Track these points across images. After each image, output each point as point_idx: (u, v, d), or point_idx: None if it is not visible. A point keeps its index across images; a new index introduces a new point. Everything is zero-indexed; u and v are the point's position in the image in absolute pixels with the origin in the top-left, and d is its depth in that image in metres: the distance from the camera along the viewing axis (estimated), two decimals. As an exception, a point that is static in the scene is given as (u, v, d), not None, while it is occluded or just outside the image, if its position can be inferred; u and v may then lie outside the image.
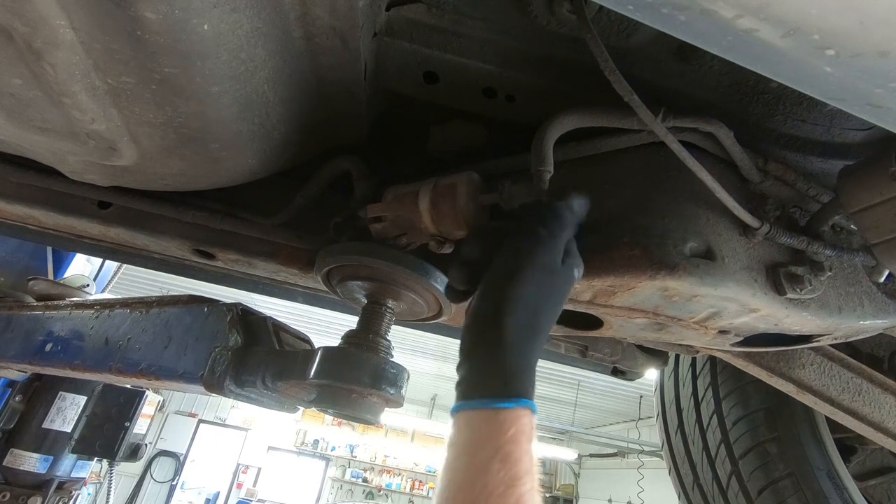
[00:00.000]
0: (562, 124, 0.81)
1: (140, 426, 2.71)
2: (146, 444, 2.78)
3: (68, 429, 2.37)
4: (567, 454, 10.39)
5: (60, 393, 2.38)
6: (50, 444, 2.32)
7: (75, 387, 2.41)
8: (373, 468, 12.75)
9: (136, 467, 9.90)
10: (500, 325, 0.62)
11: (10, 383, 2.34)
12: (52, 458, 2.32)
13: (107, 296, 2.42)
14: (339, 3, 0.65)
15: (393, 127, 1.06)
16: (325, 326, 7.25)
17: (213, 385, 1.03)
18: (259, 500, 11.33)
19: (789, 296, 0.80)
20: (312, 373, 0.90)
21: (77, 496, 2.62)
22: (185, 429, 10.99)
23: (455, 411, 0.60)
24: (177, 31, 0.53)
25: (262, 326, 1.13)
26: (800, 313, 0.82)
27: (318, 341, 1.09)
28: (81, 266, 2.78)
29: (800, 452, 1.46)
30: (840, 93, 0.48)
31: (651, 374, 1.82)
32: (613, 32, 0.80)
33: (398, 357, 0.94)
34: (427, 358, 8.44)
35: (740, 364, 1.31)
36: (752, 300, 0.79)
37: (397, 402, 0.92)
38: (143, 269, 2.42)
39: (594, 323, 0.99)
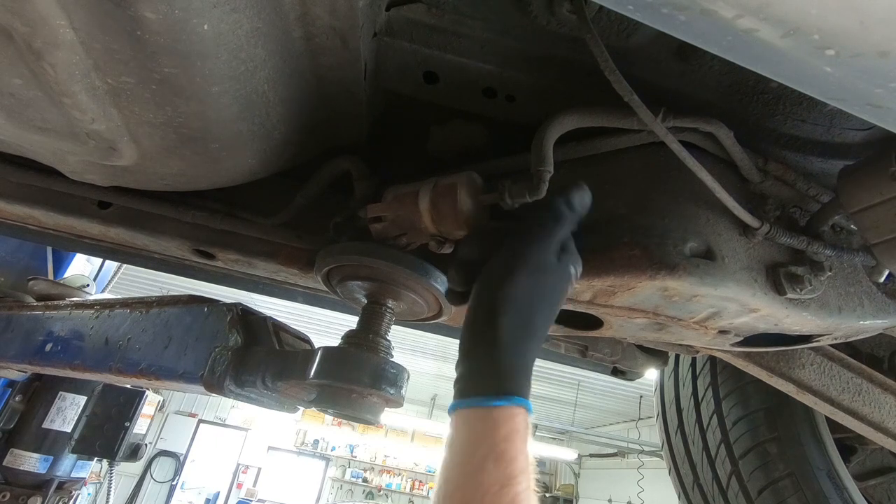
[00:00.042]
0: (562, 124, 0.81)
1: (140, 426, 2.71)
2: (146, 444, 2.78)
3: (68, 429, 2.37)
4: (567, 454, 10.40)
5: (60, 393, 2.38)
6: (50, 444, 2.33)
7: (75, 387, 2.41)
8: (373, 468, 12.75)
9: (136, 467, 9.91)
10: (495, 324, 0.62)
11: (10, 383, 2.34)
12: (52, 458, 2.32)
13: (107, 296, 2.42)
14: (339, 3, 0.65)
15: (393, 127, 1.06)
16: (325, 326, 7.25)
17: (213, 385, 1.03)
18: (259, 500, 11.33)
19: (789, 296, 0.80)
20: (312, 373, 0.90)
21: (77, 496, 2.62)
22: (185, 429, 10.99)
23: (452, 410, 0.61)
24: (177, 31, 0.53)
25: (262, 326, 1.13)
26: (800, 313, 0.82)
27: (318, 341, 1.09)
28: (81, 266, 2.78)
29: (800, 452, 1.46)
30: (840, 93, 0.48)
31: (651, 374, 1.82)
32: (613, 32, 0.80)
33: (398, 357, 0.94)
34: (427, 358, 8.44)
35: (740, 364, 1.31)
36: (752, 300, 0.79)
37: (397, 402, 0.92)
38: (143, 269, 2.42)
39: (594, 323, 0.99)
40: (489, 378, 0.61)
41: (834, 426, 1.45)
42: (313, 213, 1.02)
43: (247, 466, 11.55)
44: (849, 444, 1.67)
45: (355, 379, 0.87)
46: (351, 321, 1.03)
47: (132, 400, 2.58)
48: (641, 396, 8.63)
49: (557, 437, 12.42)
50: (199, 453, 11.12)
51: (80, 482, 2.51)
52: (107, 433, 2.49)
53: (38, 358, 1.40)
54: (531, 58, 0.85)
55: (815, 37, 0.40)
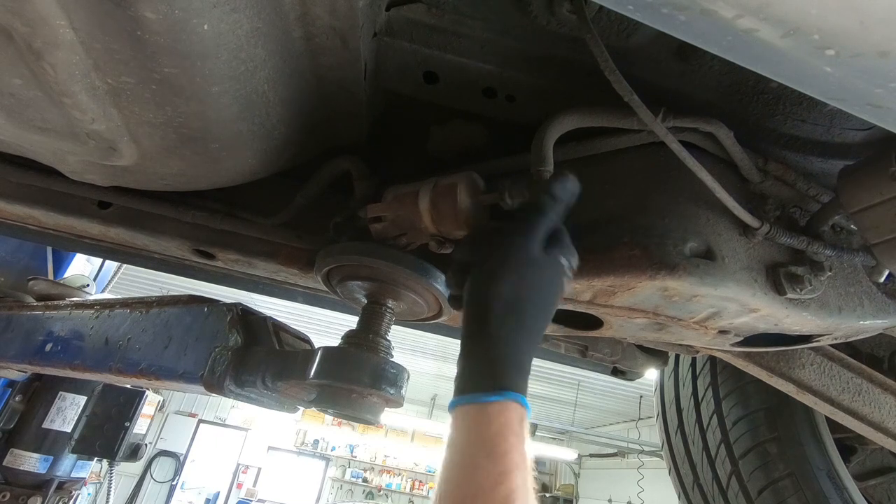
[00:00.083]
0: (562, 124, 0.81)
1: (140, 426, 2.71)
2: (146, 444, 2.78)
3: (68, 429, 2.37)
4: (567, 454, 10.39)
5: (60, 393, 2.38)
6: (50, 444, 2.32)
7: (75, 387, 2.41)
8: (373, 468, 12.74)
9: (136, 467, 9.90)
10: (486, 323, 0.63)
11: (10, 383, 2.34)
12: (52, 458, 2.32)
13: (107, 296, 2.42)
14: (339, 3, 0.65)
15: (393, 127, 1.06)
16: (325, 326, 7.24)
17: (213, 385, 1.03)
18: (259, 500, 11.33)
19: (789, 296, 0.80)
20: (312, 373, 0.90)
21: (77, 496, 2.62)
22: (185, 429, 10.98)
23: (450, 408, 0.61)
24: (177, 31, 0.53)
25: (262, 326, 1.13)
26: (800, 313, 0.82)
27: (318, 341, 1.09)
28: (81, 266, 2.78)
29: (800, 452, 1.46)
30: (840, 93, 0.48)
31: (651, 374, 1.82)
32: (613, 32, 0.80)
33: (398, 357, 0.94)
34: (427, 358, 8.43)
35: (740, 364, 1.31)
36: (752, 300, 0.79)
37: (397, 402, 0.92)
38: (143, 269, 2.42)
39: (594, 323, 0.99)
40: (482, 374, 0.61)
41: (834, 426, 1.45)
42: (313, 213, 1.02)
43: (247, 466, 11.54)
44: (849, 444, 1.67)
45: (355, 379, 0.87)
46: (351, 321, 1.03)
47: (132, 400, 2.58)
48: (641, 396, 8.62)
49: (557, 437, 12.42)
50: (199, 453, 11.11)
51: (80, 482, 2.51)
52: (107, 433, 2.49)
53: (38, 358, 1.41)
54: (531, 58, 0.85)
55: (815, 37, 0.40)
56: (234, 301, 1.17)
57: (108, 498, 3.07)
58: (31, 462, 2.27)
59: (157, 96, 0.62)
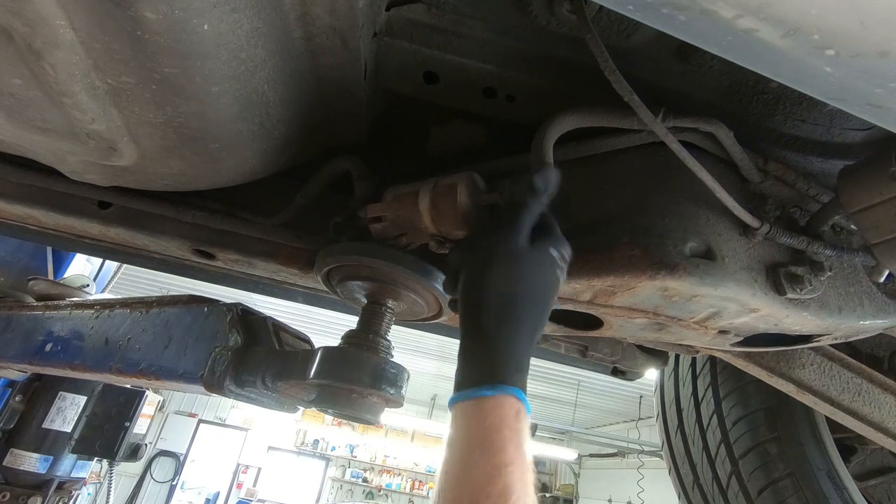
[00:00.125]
0: (562, 124, 0.81)
1: (140, 426, 2.70)
2: (146, 444, 2.78)
3: (68, 429, 2.37)
4: (567, 454, 10.39)
5: (60, 393, 2.38)
6: (50, 444, 2.32)
7: (75, 387, 2.41)
8: (373, 468, 12.74)
9: (136, 467, 9.90)
10: (479, 318, 0.64)
11: (10, 383, 2.34)
12: (52, 458, 2.32)
13: (107, 296, 2.42)
14: (339, 3, 0.65)
15: (393, 127, 1.06)
16: (325, 326, 7.24)
17: (213, 385, 1.03)
18: (259, 500, 11.32)
19: (789, 296, 0.80)
20: (312, 373, 0.90)
21: (77, 496, 2.62)
22: (185, 429, 10.98)
23: (449, 406, 0.61)
24: (177, 31, 0.53)
25: (262, 326, 1.13)
26: (800, 313, 0.82)
27: (318, 341, 1.09)
28: (81, 266, 2.78)
29: (800, 452, 1.46)
30: (840, 93, 0.48)
31: (651, 374, 1.82)
32: (613, 32, 0.80)
33: (398, 357, 0.94)
34: (427, 358, 8.43)
35: (740, 364, 1.31)
36: (752, 300, 0.79)
37: (397, 402, 0.92)
38: (143, 269, 2.42)
39: (594, 323, 0.99)
40: (477, 370, 0.61)
41: (834, 426, 1.45)
42: (313, 213, 1.02)
43: (247, 466, 11.54)
44: (849, 444, 1.67)
45: (355, 379, 0.87)
46: (351, 321, 1.03)
47: (132, 400, 2.58)
48: (641, 396, 8.62)
49: (557, 437, 12.42)
50: (199, 453, 11.11)
51: (80, 482, 2.51)
52: (107, 433, 2.49)
53: (38, 358, 1.41)
54: (531, 58, 0.85)
55: (815, 37, 0.40)
56: (234, 301, 1.17)
57: (108, 498, 3.07)
58: (31, 462, 2.27)
59: (157, 96, 0.62)
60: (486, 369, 0.60)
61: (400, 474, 12.82)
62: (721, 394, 1.66)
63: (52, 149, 0.76)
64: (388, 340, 0.96)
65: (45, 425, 2.32)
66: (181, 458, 10.72)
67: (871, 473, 1.71)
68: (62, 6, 0.50)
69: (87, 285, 2.32)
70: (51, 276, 2.48)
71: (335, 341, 0.95)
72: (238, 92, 0.66)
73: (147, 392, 2.64)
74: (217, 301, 1.18)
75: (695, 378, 1.78)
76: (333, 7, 0.65)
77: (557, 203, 0.74)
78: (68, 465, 2.39)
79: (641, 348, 1.53)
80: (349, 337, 0.94)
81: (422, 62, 0.87)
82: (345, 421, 1.44)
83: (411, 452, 12.76)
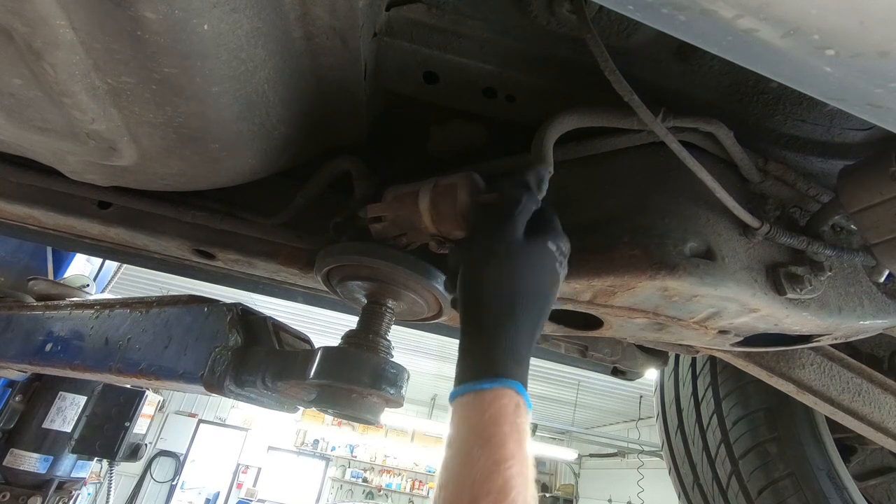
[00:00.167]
0: (562, 124, 0.81)
1: (140, 426, 2.71)
2: (146, 444, 2.78)
3: (68, 429, 2.37)
4: (567, 454, 10.39)
5: (60, 393, 2.38)
6: (50, 444, 2.32)
7: (75, 387, 2.41)
8: (373, 468, 12.74)
9: (136, 467, 9.90)
10: (477, 313, 0.64)
11: (10, 383, 2.34)
12: (52, 458, 2.32)
13: (107, 296, 2.42)
14: (339, 3, 0.65)
15: (393, 127, 1.06)
16: (325, 326, 7.25)
17: (213, 385, 1.03)
18: (259, 500, 11.33)
19: (789, 296, 0.80)
20: (312, 373, 0.90)
21: (77, 496, 2.62)
22: (185, 429, 10.98)
23: (450, 400, 0.61)
24: (177, 31, 0.53)
25: (262, 326, 1.13)
26: (800, 313, 0.82)
27: (318, 341, 1.09)
28: (81, 266, 2.78)
29: (800, 452, 1.46)
30: (840, 93, 0.48)
31: (651, 374, 1.82)
32: (613, 32, 0.80)
33: (398, 357, 0.94)
34: (427, 358, 8.44)
35: (740, 364, 1.31)
36: (752, 300, 0.79)
37: (397, 402, 0.92)
38: (143, 269, 2.42)
39: (594, 323, 0.99)
40: (476, 363, 0.61)
41: (834, 426, 1.45)
42: (313, 213, 1.02)
43: (247, 466, 11.54)
44: (849, 444, 1.67)
45: (355, 379, 0.87)
46: (351, 321, 1.03)
47: (132, 400, 2.58)
48: (641, 396, 8.62)
49: (557, 437, 12.42)
50: (199, 453, 11.11)
51: (80, 482, 2.51)
52: (107, 433, 2.49)
53: (38, 358, 1.40)
54: (531, 58, 0.85)
55: (815, 37, 0.40)
56: (234, 301, 1.17)
57: (108, 498, 3.07)
58: (31, 462, 2.27)
59: (157, 96, 0.62)
60: (486, 363, 0.60)
61: (400, 474, 12.82)
62: (721, 394, 1.66)
63: (52, 149, 0.76)
64: (388, 340, 0.96)
65: (45, 425, 2.32)
66: (181, 458, 10.72)
67: (871, 473, 1.71)
68: (62, 6, 0.50)
69: (87, 285, 2.32)
70: (51, 276, 2.48)
71: (335, 341, 0.95)
72: (238, 92, 0.66)
73: (147, 392, 2.64)
74: (217, 301, 1.18)
75: (695, 378, 1.78)
76: (333, 7, 0.65)
77: (557, 203, 0.74)
78: (68, 465, 2.40)
79: (641, 348, 1.53)
80: (349, 337, 0.94)
81: (422, 62, 0.87)
82: (345, 421, 1.44)
83: (411, 452, 12.76)
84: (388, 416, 5.81)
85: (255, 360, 1.04)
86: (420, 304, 0.97)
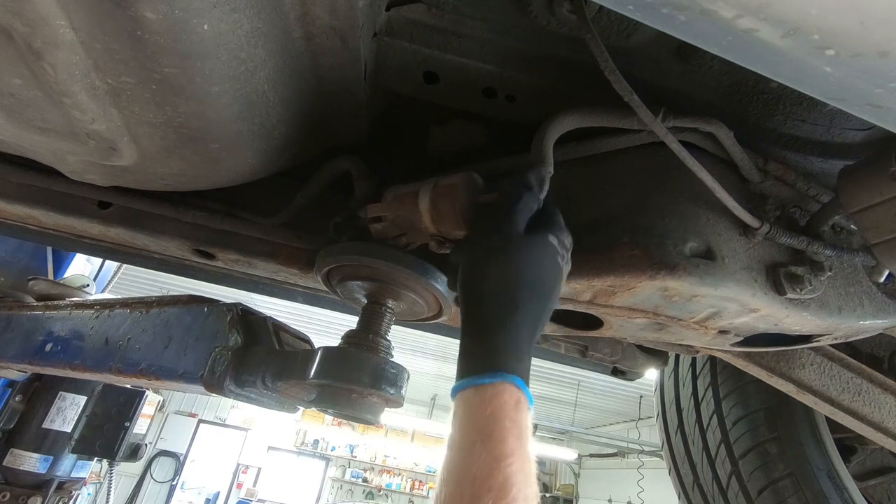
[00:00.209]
0: (562, 124, 0.81)
1: (140, 426, 2.71)
2: (146, 444, 2.78)
3: (68, 429, 2.37)
4: (567, 454, 10.39)
5: (60, 393, 2.38)
6: (50, 444, 2.32)
7: (75, 387, 2.41)
8: (373, 468, 12.75)
9: (136, 467, 9.90)
10: (477, 308, 0.64)
11: (10, 383, 2.34)
12: (52, 458, 2.32)
13: (107, 296, 2.42)
14: (339, 3, 0.65)
15: (393, 127, 1.06)
16: (325, 326, 7.25)
17: (213, 385, 1.03)
18: (259, 500, 11.33)
19: (789, 296, 0.80)
20: (312, 373, 0.90)
21: (77, 496, 2.62)
22: (185, 429, 10.99)
23: (452, 396, 0.61)
24: (177, 31, 0.53)
25: (262, 326, 1.13)
26: (800, 313, 0.82)
27: (318, 341, 1.09)
28: (81, 266, 2.78)
29: (800, 452, 1.46)
30: (840, 93, 0.48)
31: (651, 374, 1.82)
32: (613, 32, 0.80)
33: (398, 357, 0.94)
34: (427, 358, 8.44)
35: (740, 364, 1.31)
36: (752, 300, 0.79)
37: (397, 402, 0.92)
38: (143, 269, 2.42)
39: (594, 323, 0.99)
40: (476, 358, 0.61)
41: (834, 426, 1.45)
42: (313, 213, 1.02)
43: (247, 466, 11.54)
44: (849, 444, 1.67)
45: (355, 379, 0.87)
46: (351, 321, 1.03)
47: (132, 400, 2.58)
48: (641, 396, 8.62)
49: (557, 437, 12.42)
50: (199, 453, 11.11)
51: (80, 482, 2.51)
52: (107, 433, 2.49)
53: (38, 358, 1.40)
54: (531, 58, 0.85)
55: (815, 37, 0.40)
56: (234, 301, 1.17)
57: (108, 498, 3.07)
58: (31, 462, 2.27)
59: (157, 96, 0.62)
60: (486, 358, 0.60)
61: (400, 474, 12.82)
62: (721, 394, 1.66)
63: (52, 149, 0.76)
64: (388, 340, 0.96)
65: (45, 425, 2.32)
66: (181, 458, 10.73)
67: (871, 473, 1.71)
68: (62, 6, 0.50)
69: (87, 285, 2.32)
70: (51, 276, 2.48)
71: (335, 341, 0.95)
72: (238, 92, 0.66)
73: (147, 392, 2.64)
74: (217, 301, 1.18)
75: (695, 378, 1.78)
76: (333, 7, 0.65)
77: (558, 203, 0.74)
78: (68, 465, 2.40)
79: (641, 348, 1.53)
80: (349, 337, 0.94)
81: (422, 62, 0.87)
82: (345, 421, 1.44)
83: (411, 452, 12.76)
84: (388, 416, 5.81)
85: (255, 360, 1.04)
86: (420, 304, 0.96)
